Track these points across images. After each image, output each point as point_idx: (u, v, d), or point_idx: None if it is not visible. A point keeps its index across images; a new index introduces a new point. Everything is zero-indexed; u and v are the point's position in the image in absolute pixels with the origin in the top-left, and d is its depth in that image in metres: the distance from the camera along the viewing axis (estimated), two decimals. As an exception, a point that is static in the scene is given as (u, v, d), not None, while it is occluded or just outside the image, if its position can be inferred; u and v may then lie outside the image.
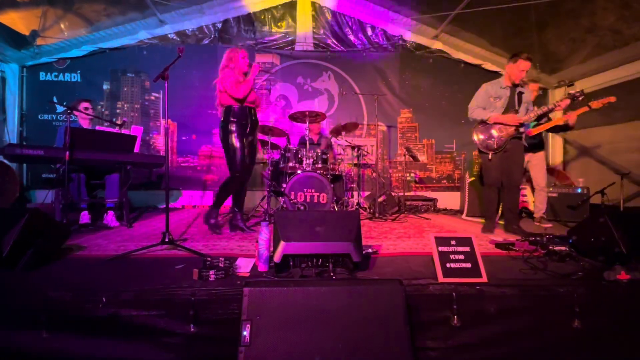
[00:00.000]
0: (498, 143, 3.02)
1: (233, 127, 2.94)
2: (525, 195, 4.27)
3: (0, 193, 4.23)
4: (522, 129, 3.02)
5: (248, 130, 3.00)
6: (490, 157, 3.04)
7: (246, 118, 2.99)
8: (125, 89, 5.27)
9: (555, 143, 5.64)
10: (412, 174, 5.61)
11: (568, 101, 2.89)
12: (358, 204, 4.70)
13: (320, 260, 1.83)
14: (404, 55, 5.57)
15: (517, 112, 3.00)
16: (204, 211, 4.74)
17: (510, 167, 3.03)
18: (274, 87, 5.43)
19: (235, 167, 2.95)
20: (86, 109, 3.55)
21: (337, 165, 4.51)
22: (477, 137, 3.11)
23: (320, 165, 4.09)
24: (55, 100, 4.92)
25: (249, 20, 5.38)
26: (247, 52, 3.11)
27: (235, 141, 2.94)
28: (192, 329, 1.45)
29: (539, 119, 2.98)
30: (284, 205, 3.87)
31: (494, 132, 3.05)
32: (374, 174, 5.08)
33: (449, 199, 5.38)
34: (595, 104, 3.44)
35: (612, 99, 3.30)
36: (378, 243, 2.64)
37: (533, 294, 1.63)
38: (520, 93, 3.07)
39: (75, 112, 3.40)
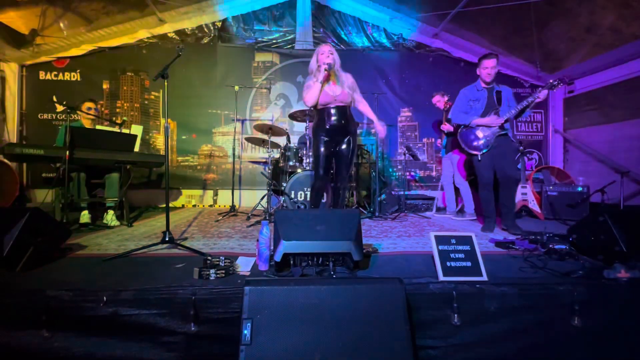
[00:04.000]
0: (485, 143, 3.09)
1: (312, 132, 2.99)
2: (525, 194, 4.27)
3: (1, 192, 4.24)
4: (506, 125, 3.07)
5: (327, 133, 2.89)
6: (479, 157, 3.11)
7: (322, 121, 2.90)
8: (124, 88, 5.26)
9: (555, 141, 5.65)
10: (412, 173, 5.61)
11: (547, 92, 2.93)
12: (358, 202, 4.70)
13: (321, 259, 1.83)
14: (404, 54, 5.57)
15: (497, 111, 3.06)
16: (204, 210, 4.75)
17: (502, 164, 3.07)
18: (274, 86, 5.43)
19: (314, 171, 3.02)
20: (89, 109, 3.55)
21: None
22: (463, 140, 3.19)
23: (320, 164, 4.09)
24: (55, 99, 4.91)
25: (249, 19, 5.37)
26: (327, 47, 2.93)
27: (314, 145, 2.97)
28: (193, 328, 1.45)
29: (520, 113, 3.06)
30: (284, 204, 3.88)
31: (479, 134, 3.13)
32: (374, 173, 5.08)
33: (449, 198, 5.38)
34: None
35: None
36: (378, 242, 2.64)
37: (533, 293, 1.63)
38: (499, 92, 3.12)
39: (77, 112, 3.40)
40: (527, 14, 4.39)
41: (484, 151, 3.09)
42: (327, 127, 2.90)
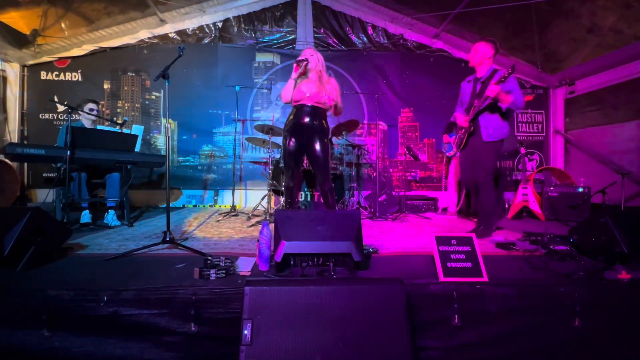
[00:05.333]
0: (456, 142, 3.02)
1: (284, 128, 3.00)
2: (526, 195, 4.27)
3: (2, 192, 4.25)
4: (482, 121, 2.82)
5: (296, 131, 2.88)
6: (456, 155, 3.10)
7: (293, 118, 2.91)
8: (125, 88, 5.27)
9: (556, 142, 5.64)
10: (413, 174, 5.61)
11: (498, 88, 2.57)
12: (359, 203, 4.70)
13: (321, 259, 1.83)
14: (404, 55, 5.56)
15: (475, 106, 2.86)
16: (205, 210, 4.76)
17: (470, 165, 2.97)
18: (274, 86, 5.43)
19: (284, 170, 3.04)
20: (91, 109, 3.56)
21: (338, 165, 4.51)
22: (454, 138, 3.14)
23: (320, 165, 4.09)
24: (56, 99, 4.92)
25: (250, 19, 5.38)
26: (309, 50, 2.95)
27: (282, 143, 3.00)
28: (193, 328, 1.45)
29: (487, 109, 2.79)
30: (285, 205, 3.87)
31: (459, 132, 3.03)
32: (375, 174, 5.08)
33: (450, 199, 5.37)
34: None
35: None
36: (379, 242, 2.64)
37: (534, 294, 1.63)
38: (485, 82, 2.80)
39: (79, 112, 3.42)
40: (528, 15, 4.39)
41: (457, 150, 3.02)
42: (297, 125, 2.87)
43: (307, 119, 2.85)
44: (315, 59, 2.88)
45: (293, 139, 2.89)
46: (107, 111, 5.21)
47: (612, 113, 4.67)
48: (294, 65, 2.83)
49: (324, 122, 2.94)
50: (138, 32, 5.04)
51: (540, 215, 4.19)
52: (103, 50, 5.07)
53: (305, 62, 2.81)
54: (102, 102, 5.18)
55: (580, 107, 5.21)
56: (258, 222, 3.51)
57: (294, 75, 2.84)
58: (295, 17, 5.42)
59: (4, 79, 4.81)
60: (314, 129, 2.87)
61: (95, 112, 3.60)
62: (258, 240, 1.89)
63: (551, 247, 2.21)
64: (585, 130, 5.14)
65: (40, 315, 1.42)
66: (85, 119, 3.62)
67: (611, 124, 4.69)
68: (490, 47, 2.83)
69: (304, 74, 2.88)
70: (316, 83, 2.88)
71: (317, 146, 2.86)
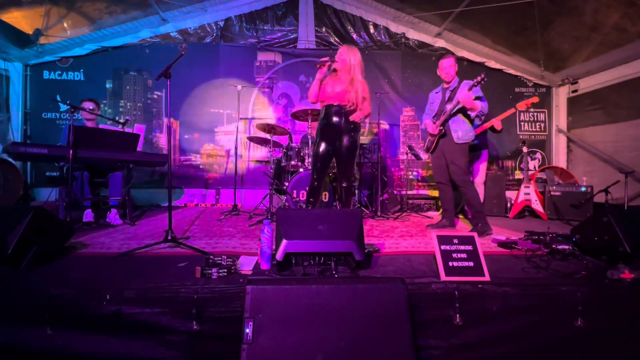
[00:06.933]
0: (428, 145, 3.28)
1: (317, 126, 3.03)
2: (528, 194, 4.25)
3: (5, 191, 4.27)
4: (453, 125, 3.05)
5: (325, 132, 2.93)
6: (428, 157, 3.33)
7: (322, 120, 2.95)
8: (127, 88, 5.28)
9: (559, 141, 5.61)
10: (414, 173, 5.60)
11: (468, 94, 2.86)
12: (360, 202, 4.70)
13: (323, 258, 1.84)
14: (406, 53, 5.55)
15: (443, 112, 3.10)
16: (206, 209, 4.77)
17: (445, 166, 3.20)
18: (276, 85, 5.42)
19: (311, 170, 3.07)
20: (90, 108, 3.57)
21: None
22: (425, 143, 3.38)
23: (322, 164, 4.08)
24: (58, 98, 4.93)
25: (251, 18, 5.38)
26: (343, 47, 2.96)
27: (314, 144, 3.02)
28: (195, 327, 1.46)
29: (457, 114, 3.05)
30: (286, 204, 3.88)
31: (429, 136, 3.26)
32: (376, 173, 5.07)
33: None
34: (521, 105, 3.81)
35: (535, 99, 3.79)
36: (380, 242, 2.64)
37: (535, 293, 1.63)
38: (453, 90, 3.09)
39: (80, 111, 3.43)
40: (530, 13, 4.37)
41: (429, 152, 3.28)
42: (326, 126, 2.90)
43: (334, 119, 2.90)
44: (343, 59, 2.89)
45: (323, 142, 2.94)
46: (109, 110, 5.23)
47: (616, 112, 4.65)
48: (317, 66, 2.87)
49: (350, 120, 2.96)
50: (140, 31, 5.05)
51: (543, 215, 4.18)
52: (105, 50, 5.09)
53: (327, 64, 2.83)
54: (104, 101, 5.19)
55: (583, 105, 5.19)
56: (259, 221, 3.51)
57: (318, 75, 2.88)
58: (297, 15, 5.42)
59: (7, 78, 4.82)
60: (341, 127, 2.91)
61: (92, 109, 3.60)
62: (259, 239, 1.89)
63: (553, 246, 2.20)
64: (588, 129, 5.12)
65: (42, 314, 1.42)
66: (87, 119, 3.63)
67: (614, 122, 4.66)
68: (453, 60, 3.12)
69: (330, 73, 2.91)
70: (344, 83, 2.88)
71: (343, 143, 2.93)
